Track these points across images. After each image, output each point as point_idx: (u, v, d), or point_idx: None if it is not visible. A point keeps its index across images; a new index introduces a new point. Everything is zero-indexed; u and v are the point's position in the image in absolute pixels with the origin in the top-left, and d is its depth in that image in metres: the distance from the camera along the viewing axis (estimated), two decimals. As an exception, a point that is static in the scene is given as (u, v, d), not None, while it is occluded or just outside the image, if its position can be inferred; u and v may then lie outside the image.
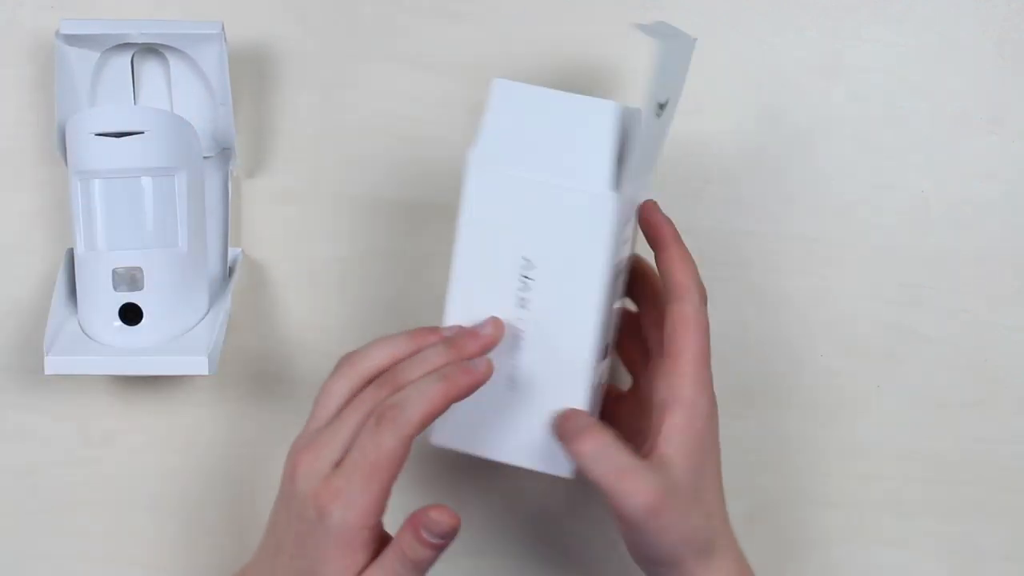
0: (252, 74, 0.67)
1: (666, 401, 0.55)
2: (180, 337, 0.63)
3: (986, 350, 0.69)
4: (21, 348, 0.67)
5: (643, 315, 0.62)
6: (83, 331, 0.63)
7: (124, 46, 0.64)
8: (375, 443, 0.52)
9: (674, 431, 0.55)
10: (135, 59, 0.64)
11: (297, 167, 0.68)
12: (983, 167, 0.68)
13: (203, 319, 0.64)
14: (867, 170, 0.68)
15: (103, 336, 0.62)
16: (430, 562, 0.53)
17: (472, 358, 0.55)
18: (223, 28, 0.62)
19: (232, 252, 0.67)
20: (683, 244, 0.58)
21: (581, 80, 0.68)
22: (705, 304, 0.57)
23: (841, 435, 0.69)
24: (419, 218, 0.68)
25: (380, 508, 0.52)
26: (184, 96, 0.65)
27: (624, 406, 0.63)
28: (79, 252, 0.62)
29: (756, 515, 0.64)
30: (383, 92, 0.67)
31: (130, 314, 0.62)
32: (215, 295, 0.65)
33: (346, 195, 0.68)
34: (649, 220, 0.58)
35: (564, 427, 0.56)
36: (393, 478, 0.52)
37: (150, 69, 0.65)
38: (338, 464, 0.53)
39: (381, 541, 0.54)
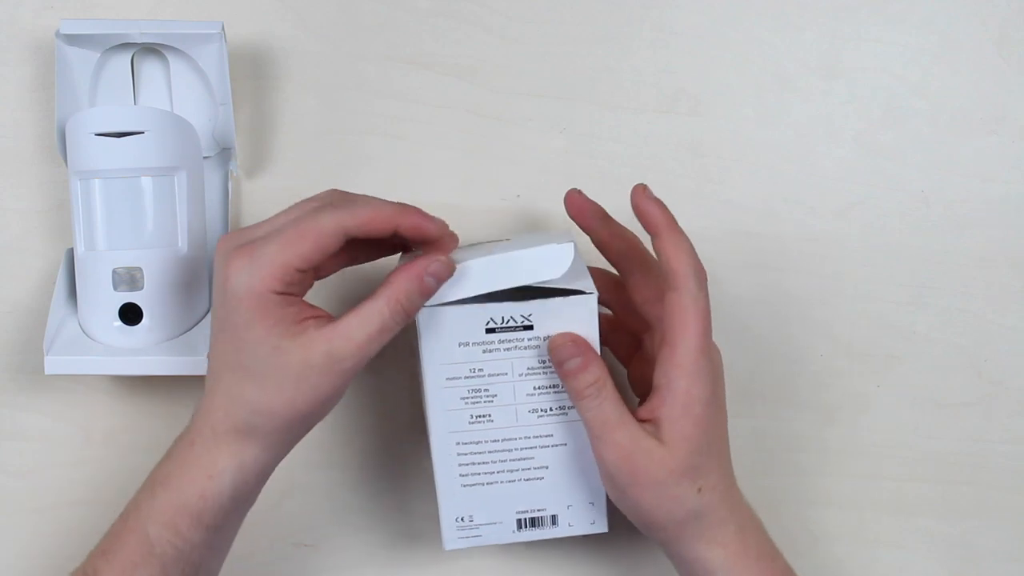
0: (252, 74, 0.67)
1: (663, 388, 0.56)
2: (180, 337, 0.63)
3: (986, 350, 0.69)
4: (21, 348, 0.67)
5: (636, 290, 0.61)
6: (83, 331, 0.63)
7: (124, 46, 0.64)
8: (310, 216, 0.53)
9: (669, 420, 0.56)
10: (135, 59, 0.64)
11: (297, 167, 0.68)
12: (983, 167, 0.68)
13: (203, 319, 0.64)
14: (867, 170, 0.68)
15: (103, 336, 0.62)
16: (416, 311, 0.55)
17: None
18: (223, 28, 0.62)
19: (232, 252, 0.67)
20: (678, 229, 0.57)
21: (580, 79, 0.68)
22: (704, 288, 0.57)
23: (841, 435, 0.69)
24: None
25: (284, 274, 0.53)
26: (184, 96, 0.65)
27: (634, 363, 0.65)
28: (79, 252, 0.62)
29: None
30: (383, 92, 0.67)
31: (130, 314, 0.62)
32: (215, 295, 0.65)
33: (346, 195, 0.68)
34: (641, 207, 0.58)
35: (572, 371, 0.57)
36: (312, 252, 0.53)
37: (150, 69, 0.65)
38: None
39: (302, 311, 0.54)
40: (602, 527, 0.61)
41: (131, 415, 0.68)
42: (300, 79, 0.67)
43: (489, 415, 0.58)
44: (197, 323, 0.64)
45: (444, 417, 0.58)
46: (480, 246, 0.60)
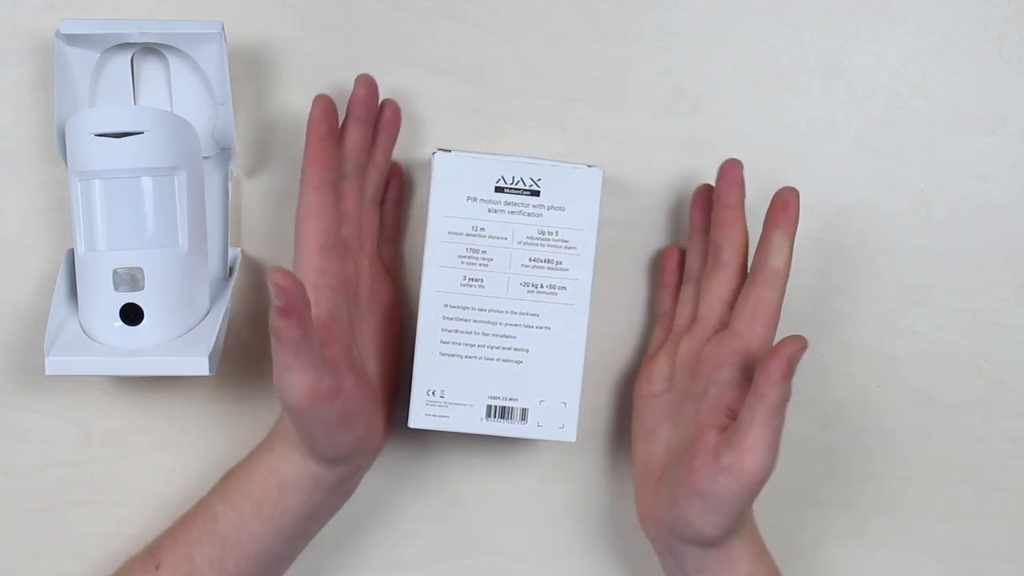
0: (252, 74, 0.67)
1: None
2: (180, 337, 0.63)
3: (986, 350, 0.69)
4: (21, 348, 0.67)
5: None
6: (84, 331, 0.63)
7: (124, 46, 0.64)
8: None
9: (757, 440, 0.56)
10: (135, 59, 0.64)
11: (297, 167, 0.68)
12: (983, 167, 0.68)
13: (203, 319, 0.64)
14: (867, 170, 0.68)
15: (104, 336, 0.62)
16: (288, 336, 0.53)
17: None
18: (223, 28, 0.62)
19: (232, 252, 0.67)
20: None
21: (580, 79, 0.68)
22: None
23: (841, 435, 0.69)
24: (418, 218, 0.68)
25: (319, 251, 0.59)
26: (184, 96, 0.65)
27: None
28: (79, 252, 0.62)
29: (756, 515, 0.64)
30: (383, 92, 0.67)
31: (131, 314, 0.62)
32: (215, 295, 0.65)
33: (346, 195, 0.68)
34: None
35: (776, 380, 0.55)
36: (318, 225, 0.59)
37: (150, 69, 0.65)
38: None
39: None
40: (570, 434, 0.61)
41: (131, 415, 0.68)
42: (300, 79, 0.67)
43: (481, 280, 0.60)
44: (197, 323, 0.64)
45: (438, 274, 0.60)
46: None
